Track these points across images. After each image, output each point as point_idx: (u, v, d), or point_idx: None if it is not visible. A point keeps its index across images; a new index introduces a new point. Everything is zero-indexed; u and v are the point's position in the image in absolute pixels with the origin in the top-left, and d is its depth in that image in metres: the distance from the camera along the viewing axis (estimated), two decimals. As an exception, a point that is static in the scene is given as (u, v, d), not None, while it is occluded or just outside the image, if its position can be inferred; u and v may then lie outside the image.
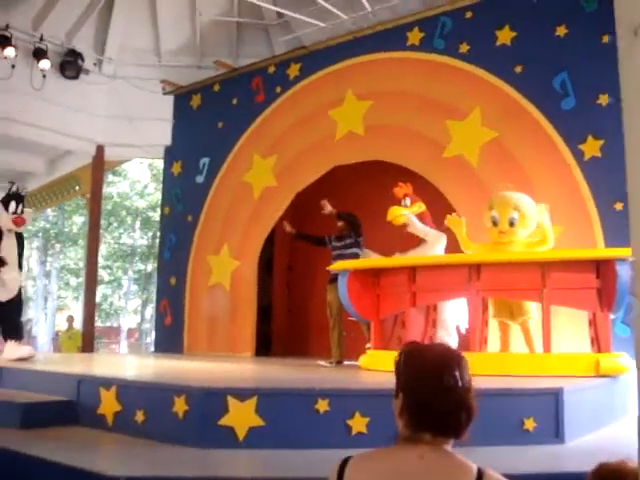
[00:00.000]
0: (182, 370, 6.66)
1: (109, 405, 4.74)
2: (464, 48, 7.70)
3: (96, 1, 10.18)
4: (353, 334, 7.62)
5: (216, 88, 10.32)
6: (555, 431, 4.26)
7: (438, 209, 7.03)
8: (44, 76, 9.78)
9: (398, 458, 1.67)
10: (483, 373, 5.33)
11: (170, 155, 10.83)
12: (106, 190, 22.75)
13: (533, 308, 6.00)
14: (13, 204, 7.15)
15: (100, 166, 11.04)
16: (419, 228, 6.72)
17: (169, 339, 10.23)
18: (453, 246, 6.57)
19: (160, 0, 10.43)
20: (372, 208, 7.67)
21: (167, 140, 10.77)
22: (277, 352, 9.90)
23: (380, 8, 8.81)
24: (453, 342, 6.48)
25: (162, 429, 4.35)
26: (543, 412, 4.28)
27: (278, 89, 9.49)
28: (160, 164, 11.75)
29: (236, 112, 9.90)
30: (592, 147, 6.66)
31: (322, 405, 4.18)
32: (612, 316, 5.54)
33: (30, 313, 25.35)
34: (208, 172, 10.11)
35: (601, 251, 6.09)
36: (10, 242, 7.14)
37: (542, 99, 7.05)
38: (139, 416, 4.50)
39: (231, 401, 4.16)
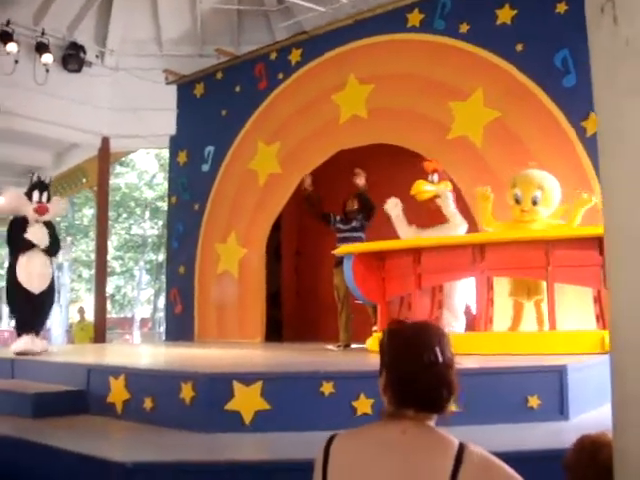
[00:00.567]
0: (190, 357, 6.73)
1: (118, 393, 4.81)
2: (464, 28, 7.66)
3: (96, -7, 10.22)
4: (361, 317, 7.65)
5: (219, 76, 10.32)
6: (559, 408, 4.28)
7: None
8: (47, 70, 9.82)
9: (381, 433, 1.70)
10: (489, 352, 5.39)
11: (175, 144, 10.87)
12: (114, 181, 22.87)
13: (546, 287, 5.98)
14: (36, 193, 7.01)
15: (106, 158, 11.10)
16: (450, 208, 6.56)
17: (180, 327, 10.31)
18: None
19: (160, -11, 10.44)
20: (377, 191, 7.68)
21: (172, 130, 10.80)
22: (288, 337, 9.95)
23: (379, -10, 8.77)
24: (460, 325, 6.51)
25: (170, 415, 4.41)
26: (547, 389, 4.30)
27: (280, 75, 9.48)
28: (167, 154, 11.79)
29: (239, 99, 9.91)
30: (594, 124, 6.60)
31: (327, 387, 4.23)
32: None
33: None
34: (213, 160, 10.13)
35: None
36: (39, 232, 6.97)
37: (544, 77, 7.01)
38: (147, 403, 4.57)
39: (237, 386, 4.21)
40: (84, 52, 10.31)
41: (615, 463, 1.42)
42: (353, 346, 7.33)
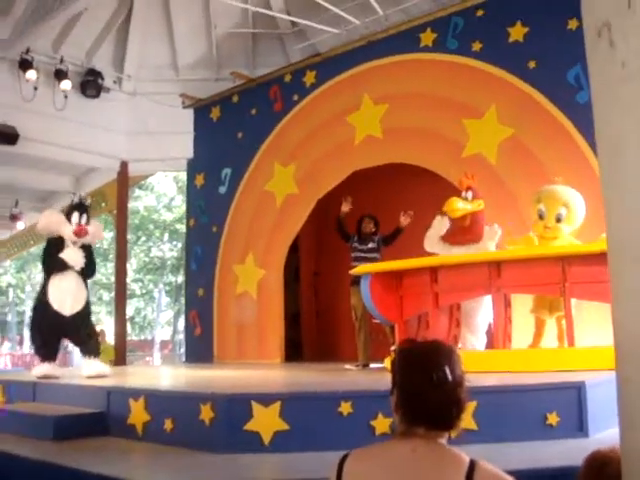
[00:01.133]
0: (209, 378, 6.76)
1: (138, 415, 4.85)
2: (477, 46, 7.71)
3: (114, 20, 10.39)
4: (380, 336, 7.65)
5: (235, 99, 10.44)
6: (579, 425, 4.26)
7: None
8: (66, 96, 9.97)
9: (392, 452, 1.73)
10: (508, 370, 5.38)
11: (192, 167, 10.98)
12: (133, 204, 23.08)
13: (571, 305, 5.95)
14: (76, 215, 6.91)
15: (125, 182, 11.22)
16: (492, 242, 6.53)
17: (199, 349, 10.35)
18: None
19: (176, 15, 10.59)
20: (392, 210, 7.72)
21: (189, 153, 10.92)
22: (307, 357, 9.97)
23: (392, 11, 8.86)
24: (480, 345, 6.47)
25: (190, 436, 4.44)
26: (566, 406, 4.29)
27: (295, 97, 9.58)
28: (185, 177, 11.92)
29: (255, 122, 10.01)
30: (609, 139, 6.61)
31: (345, 407, 4.24)
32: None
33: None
34: (230, 182, 10.22)
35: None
36: (74, 254, 6.90)
37: (557, 93, 7.03)
38: (168, 425, 4.60)
39: (255, 406, 4.24)
40: (102, 78, 10.46)
41: (624, 477, 1.43)
42: (372, 366, 7.33)
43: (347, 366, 7.42)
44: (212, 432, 4.33)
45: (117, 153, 10.91)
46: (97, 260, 7.60)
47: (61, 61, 9.94)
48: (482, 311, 6.41)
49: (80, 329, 6.88)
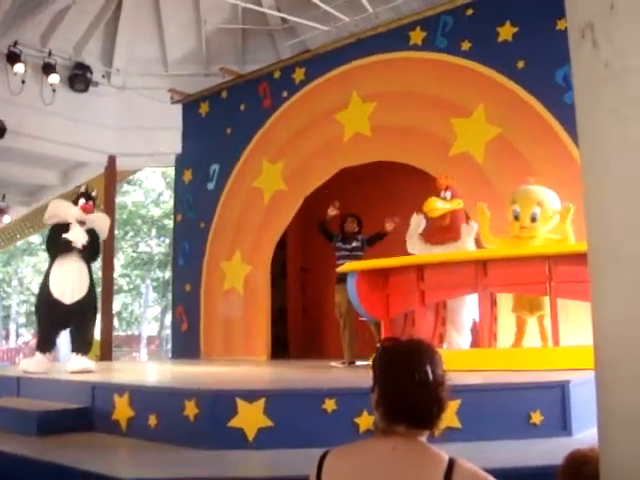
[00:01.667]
0: (195, 375, 6.75)
1: (123, 411, 4.84)
2: (466, 45, 7.73)
3: (103, 14, 10.33)
4: (366, 333, 7.66)
5: (224, 95, 10.41)
6: (562, 424, 4.29)
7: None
8: (54, 90, 9.91)
9: (372, 450, 1.73)
10: (493, 368, 5.40)
11: (181, 163, 10.95)
12: (121, 200, 22.99)
13: (549, 303, 6.00)
14: (82, 201, 7.00)
15: (112, 176, 11.17)
16: (470, 237, 6.55)
17: (186, 345, 10.32)
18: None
19: (165, 10, 10.54)
20: (380, 208, 7.73)
21: (177, 148, 10.88)
22: (294, 354, 9.97)
23: (382, 9, 8.87)
24: (465, 342, 6.50)
25: (174, 432, 4.44)
26: (550, 405, 4.31)
27: (285, 94, 9.56)
28: (173, 172, 11.88)
29: (244, 118, 9.99)
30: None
31: (330, 404, 4.25)
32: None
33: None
34: (218, 178, 10.20)
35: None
36: (78, 233, 6.87)
37: (545, 93, 7.06)
38: (152, 420, 4.60)
39: (240, 403, 4.24)
40: (90, 72, 10.40)
41: (601, 476, 1.44)
42: (358, 363, 7.33)
43: (333, 363, 7.43)
44: (196, 428, 4.33)
45: (105, 148, 10.86)
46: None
47: (49, 55, 9.88)
48: (466, 308, 6.45)
49: (81, 320, 6.77)
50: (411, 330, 6.44)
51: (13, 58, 9.42)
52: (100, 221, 7.29)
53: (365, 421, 4.14)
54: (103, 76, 10.79)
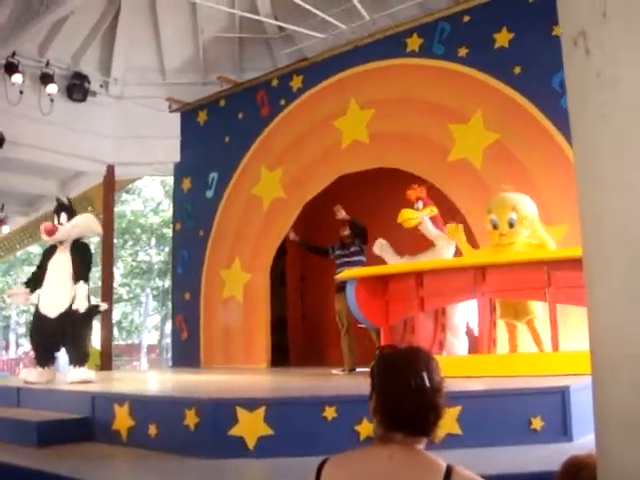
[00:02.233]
0: (195, 383, 6.75)
1: (123, 421, 4.83)
2: (463, 52, 7.76)
3: (100, 24, 10.37)
4: (367, 341, 7.65)
5: (221, 103, 10.44)
6: (563, 429, 4.28)
7: (444, 213, 7.11)
8: (52, 100, 9.95)
9: (369, 458, 1.73)
10: (492, 374, 5.40)
11: (179, 171, 10.96)
12: (120, 209, 23.00)
13: (537, 308, 6.02)
14: (55, 217, 6.94)
15: (111, 186, 11.19)
16: (431, 232, 6.71)
17: (186, 354, 10.32)
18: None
19: (163, 19, 10.58)
20: (378, 214, 7.74)
21: (176, 157, 10.90)
22: (294, 362, 9.96)
23: (379, 16, 8.90)
24: (463, 346, 6.52)
25: (175, 442, 4.43)
26: (550, 411, 4.31)
27: (282, 101, 9.59)
28: (172, 180, 11.89)
29: (242, 126, 10.01)
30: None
31: (330, 412, 4.24)
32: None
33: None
34: (217, 187, 10.21)
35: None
36: (61, 255, 6.81)
37: (542, 99, 7.08)
38: (152, 430, 4.59)
39: (240, 411, 4.23)
40: (88, 82, 10.43)
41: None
42: (358, 370, 7.33)
43: (333, 371, 7.43)
44: (197, 437, 4.32)
45: (103, 157, 10.88)
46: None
47: (47, 65, 9.91)
48: (459, 311, 6.48)
49: (66, 332, 6.61)
50: (411, 337, 6.44)
51: (11, 68, 9.45)
52: (79, 227, 6.97)
53: (365, 429, 4.13)
54: (101, 86, 10.81)
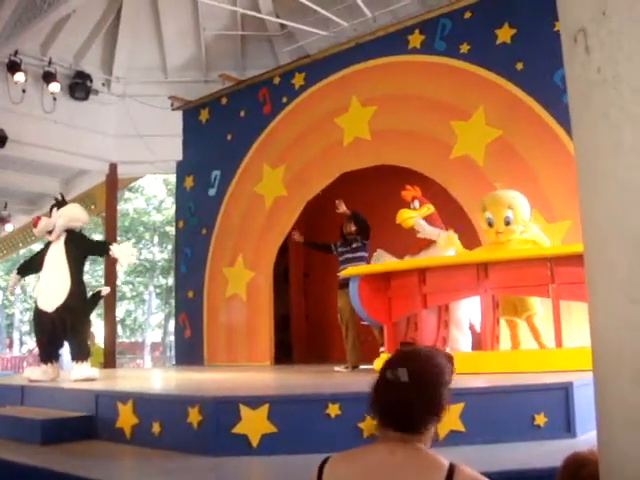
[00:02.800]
0: (198, 381, 6.75)
1: (126, 419, 4.83)
2: (465, 48, 7.74)
3: (102, 23, 10.37)
4: (370, 338, 7.66)
5: (223, 101, 10.44)
6: (566, 425, 4.27)
7: (447, 209, 7.11)
8: (54, 99, 9.97)
9: (371, 456, 1.74)
10: (496, 371, 5.40)
11: (182, 169, 10.96)
12: (123, 207, 23.02)
13: (537, 304, 6.02)
14: (50, 212, 7.16)
15: (114, 184, 11.20)
16: (428, 231, 6.73)
17: (189, 352, 10.33)
18: (465, 245, 6.61)
19: (164, 17, 10.58)
20: (381, 212, 7.73)
21: (178, 155, 10.91)
22: (297, 359, 9.98)
23: (380, 14, 8.89)
24: (467, 341, 6.52)
25: (178, 440, 4.43)
26: (554, 407, 4.30)
27: (284, 99, 9.58)
28: (174, 179, 11.90)
29: (244, 124, 10.01)
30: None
31: (333, 409, 4.24)
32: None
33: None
34: (220, 184, 10.21)
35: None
36: (55, 248, 6.87)
37: (544, 95, 7.06)
38: (156, 428, 4.59)
39: (243, 409, 4.23)
40: (91, 80, 10.45)
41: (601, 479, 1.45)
42: (361, 367, 7.33)
43: (336, 368, 7.43)
44: (200, 435, 4.32)
45: (106, 155, 10.90)
46: (86, 262, 7.48)
47: (49, 63, 9.92)
48: (463, 306, 6.48)
49: (65, 326, 6.59)
50: (414, 334, 6.45)
51: (14, 67, 9.47)
52: (63, 217, 7.00)
53: (369, 426, 4.13)
54: (103, 84, 10.83)
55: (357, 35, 8.96)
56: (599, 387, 1.44)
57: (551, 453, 3.91)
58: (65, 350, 7.01)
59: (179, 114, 10.93)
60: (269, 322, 9.41)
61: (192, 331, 10.33)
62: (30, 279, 28.70)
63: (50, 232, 6.98)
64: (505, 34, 7.47)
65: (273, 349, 9.37)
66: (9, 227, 12.36)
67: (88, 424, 5.05)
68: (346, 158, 8.68)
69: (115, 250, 7.01)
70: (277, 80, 9.75)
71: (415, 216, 6.74)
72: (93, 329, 11.19)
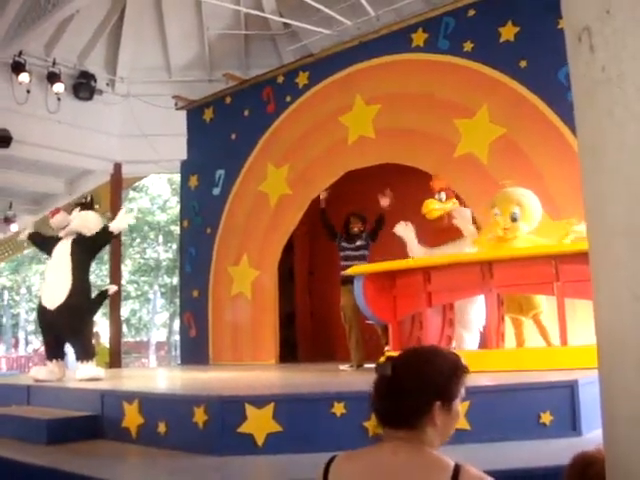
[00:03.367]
0: (203, 381, 6.76)
1: (132, 418, 4.84)
2: (468, 46, 7.73)
3: (106, 23, 10.39)
4: (375, 337, 7.66)
5: (227, 100, 10.44)
6: (572, 424, 4.27)
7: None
8: (59, 99, 10.00)
9: (375, 455, 1.74)
10: (501, 369, 5.39)
11: (186, 169, 10.97)
12: (127, 206, 23.04)
13: (542, 302, 6.01)
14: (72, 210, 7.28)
15: (118, 184, 11.22)
16: (466, 221, 6.64)
17: (194, 351, 10.34)
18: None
19: (168, 17, 10.59)
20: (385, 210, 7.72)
21: (182, 154, 10.91)
22: (303, 358, 9.98)
23: (383, 12, 8.88)
24: (474, 341, 6.51)
25: (184, 439, 4.44)
26: (559, 405, 4.29)
27: (288, 98, 9.58)
28: (178, 178, 11.92)
29: (248, 123, 10.01)
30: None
31: (338, 408, 4.24)
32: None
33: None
34: (224, 184, 10.22)
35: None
36: (62, 246, 6.91)
37: (548, 92, 7.05)
38: (161, 428, 4.60)
39: (249, 408, 4.24)
40: (95, 80, 10.47)
41: (607, 477, 1.45)
42: (366, 366, 7.33)
43: (341, 367, 7.43)
44: (205, 435, 4.33)
45: (110, 155, 10.92)
46: (93, 263, 7.49)
47: (54, 64, 9.95)
48: (474, 307, 6.45)
49: (68, 324, 6.58)
50: (419, 332, 6.44)
51: (18, 68, 9.50)
52: (77, 220, 7.06)
53: (373, 425, 4.13)
54: (107, 84, 10.85)
55: (361, 34, 8.95)
56: (604, 383, 1.44)
57: (557, 451, 3.91)
58: (70, 348, 7.01)
59: (183, 114, 10.94)
60: (274, 321, 9.41)
61: (197, 330, 10.34)
62: (35, 279, 28.89)
63: (64, 228, 7.05)
64: (509, 32, 7.46)
65: (278, 348, 9.37)
66: (14, 227, 12.39)
67: (94, 424, 5.06)
68: (350, 157, 8.68)
69: (114, 227, 7.22)
70: (281, 79, 9.75)
71: (442, 208, 6.67)
72: (98, 329, 11.20)
